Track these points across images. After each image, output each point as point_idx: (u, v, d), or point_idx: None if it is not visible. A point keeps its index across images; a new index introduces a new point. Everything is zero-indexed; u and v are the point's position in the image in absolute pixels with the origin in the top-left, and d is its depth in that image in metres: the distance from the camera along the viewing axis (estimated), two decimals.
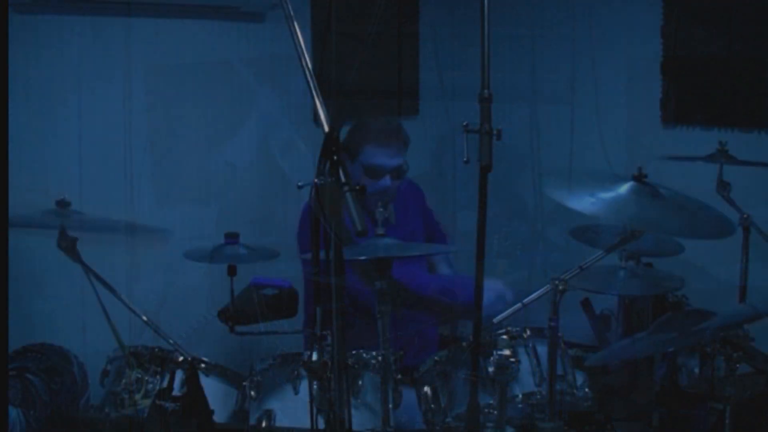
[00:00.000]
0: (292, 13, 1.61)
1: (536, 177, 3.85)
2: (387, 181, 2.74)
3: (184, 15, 3.17)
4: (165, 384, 2.15)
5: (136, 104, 3.11)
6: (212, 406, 2.04)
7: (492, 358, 1.79)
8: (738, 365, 2.03)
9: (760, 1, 2.91)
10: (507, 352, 1.78)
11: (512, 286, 2.60)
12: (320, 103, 1.52)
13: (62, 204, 2.15)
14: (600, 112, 3.57)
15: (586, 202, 1.92)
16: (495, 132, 1.38)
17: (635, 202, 1.98)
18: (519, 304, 2.20)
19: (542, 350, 2.13)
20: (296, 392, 2.13)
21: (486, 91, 1.39)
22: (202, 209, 3.31)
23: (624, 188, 2.00)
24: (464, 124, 1.46)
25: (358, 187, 1.45)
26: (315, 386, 1.94)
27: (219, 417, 2.14)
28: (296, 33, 1.58)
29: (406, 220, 2.92)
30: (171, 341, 2.26)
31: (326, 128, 1.48)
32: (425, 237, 3.00)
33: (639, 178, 2.09)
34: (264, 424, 2.10)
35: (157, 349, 2.23)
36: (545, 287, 1.98)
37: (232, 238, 2.22)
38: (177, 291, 3.23)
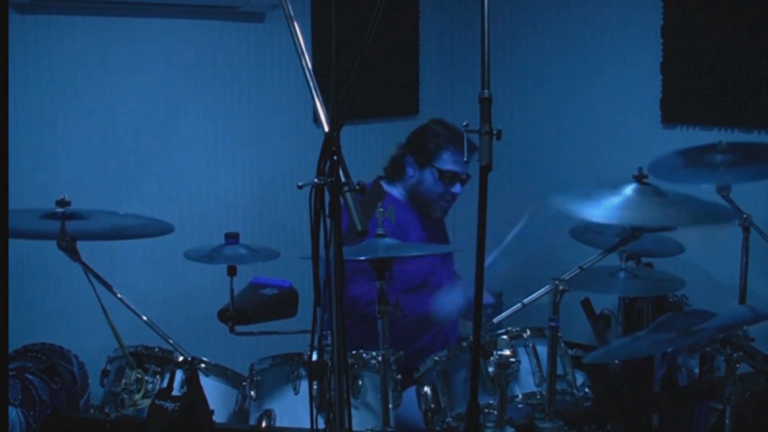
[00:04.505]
0: (292, 13, 1.61)
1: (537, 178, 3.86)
2: (458, 187, 2.78)
3: (184, 15, 3.17)
4: (165, 384, 2.15)
5: (136, 104, 3.11)
6: (212, 406, 2.04)
7: (492, 358, 1.78)
8: (738, 365, 2.03)
9: (760, 0, 2.91)
10: (507, 352, 1.78)
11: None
12: (320, 103, 1.52)
13: (62, 204, 2.15)
14: (601, 112, 3.58)
15: (594, 212, 1.97)
16: (495, 132, 1.38)
17: (640, 203, 1.99)
18: (519, 304, 2.20)
19: (542, 350, 2.13)
20: (296, 392, 2.14)
21: (486, 91, 1.39)
22: (202, 209, 3.31)
23: (628, 190, 2.01)
24: (464, 124, 1.46)
25: (357, 187, 1.46)
26: (315, 386, 1.95)
27: (219, 417, 2.14)
28: (296, 33, 1.58)
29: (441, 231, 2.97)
30: (171, 341, 2.26)
31: (326, 128, 1.48)
32: None
33: (639, 178, 2.09)
34: (264, 424, 2.10)
35: (157, 349, 2.23)
36: (545, 287, 1.98)
37: (232, 238, 2.22)
38: (177, 291, 3.24)
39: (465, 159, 1.44)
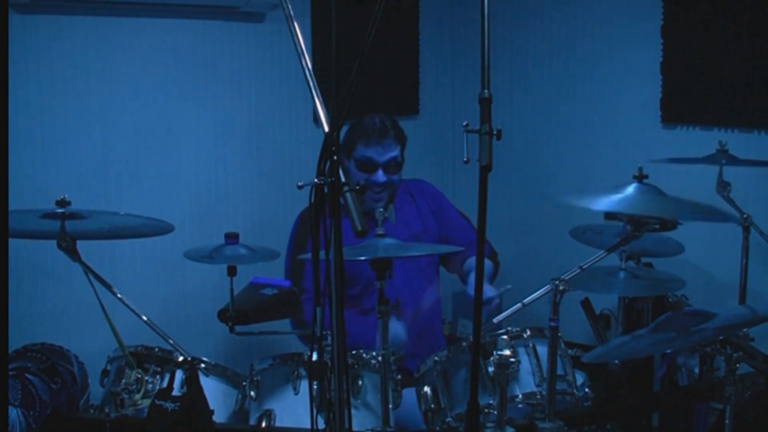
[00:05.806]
0: (292, 13, 1.61)
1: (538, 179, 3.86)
2: (380, 174, 2.78)
3: (184, 15, 3.17)
4: (165, 384, 2.15)
5: (136, 104, 3.11)
6: (212, 406, 2.04)
7: (492, 358, 1.78)
8: (738, 365, 2.03)
9: (760, 0, 2.91)
10: (507, 352, 1.78)
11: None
12: (320, 103, 1.52)
13: (62, 204, 2.15)
14: (601, 112, 3.58)
15: (596, 203, 2.01)
16: (495, 132, 1.38)
17: (641, 199, 2.01)
18: (519, 304, 2.20)
19: (542, 350, 2.13)
20: (296, 392, 2.14)
21: (486, 91, 1.39)
22: (202, 209, 3.31)
23: (629, 189, 2.04)
24: (464, 124, 1.46)
25: (358, 187, 1.46)
26: (315, 386, 1.95)
27: (219, 417, 2.14)
28: (296, 33, 1.58)
29: (413, 220, 2.93)
30: (171, 341, 2.26)
31: (326, 128, 1.48)
32: (440, 239, 2.98)
33: (639, 178, 2.09)
34: (264, 424, 2.10)
35: (157, 349, 2.23)
36: (545, 287, 1.98)
37: (232, 238, 2.22)
38: (177, 291, 3.24)
39: (465, 159, 1.44)
